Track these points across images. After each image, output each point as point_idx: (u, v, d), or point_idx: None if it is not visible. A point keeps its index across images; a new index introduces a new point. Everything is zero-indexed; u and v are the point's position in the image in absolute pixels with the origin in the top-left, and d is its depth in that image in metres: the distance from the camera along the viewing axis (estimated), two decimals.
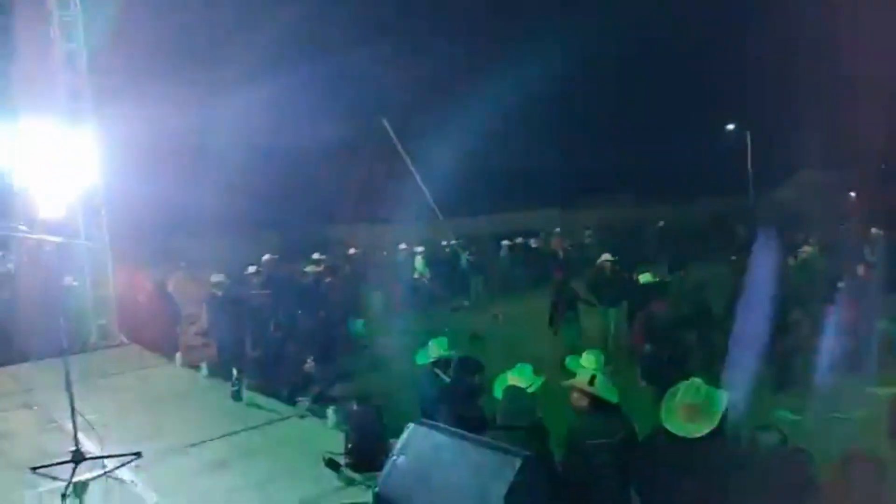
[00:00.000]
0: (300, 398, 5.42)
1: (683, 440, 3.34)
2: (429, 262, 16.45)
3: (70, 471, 3.87)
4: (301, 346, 7.75)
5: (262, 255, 12.34)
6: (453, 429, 3.06)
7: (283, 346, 8.21)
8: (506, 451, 2.71)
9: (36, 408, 5.42)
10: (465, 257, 17.72)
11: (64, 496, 3.67)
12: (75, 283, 8.37)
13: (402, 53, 19.67)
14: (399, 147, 13.01)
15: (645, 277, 9.00)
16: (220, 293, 9.85)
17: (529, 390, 4.00)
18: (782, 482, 3.37)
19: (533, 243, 19.44)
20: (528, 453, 2.70)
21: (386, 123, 12.97)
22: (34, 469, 4.01)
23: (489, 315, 14.56)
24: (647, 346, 7.24)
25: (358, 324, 13.33)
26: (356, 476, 3.67)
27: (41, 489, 3.83)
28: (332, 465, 3.81)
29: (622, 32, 26.51)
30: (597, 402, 3.95)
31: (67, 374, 4.02)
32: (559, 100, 26.69)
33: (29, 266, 9.34)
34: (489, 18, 24.07)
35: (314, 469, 3.85)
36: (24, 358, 7.04)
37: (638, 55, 26.73)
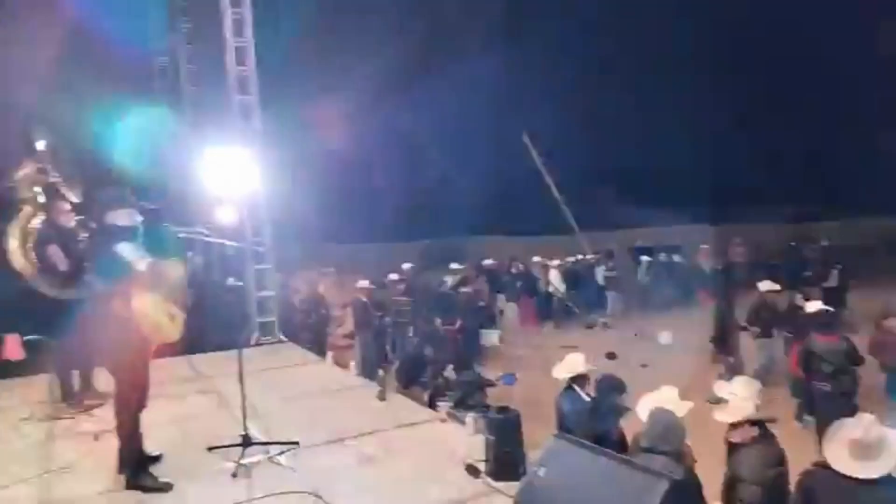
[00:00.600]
0: (440, 402, 5.62)
1: (847, 480, 3.09)
2: (564, 275, 16.24)
3: (239, 453, 4.31)
4: (439, 352, 8.03)
5: (404, 264, 12.94)
6: (595, 445, 3.05)
7: (422, 351, 8.54)
8: (652, 473, 2.67)
9: (211, 394, 6.07)
10: (602, 272, 17.34)
11: (234, 475, 4.11)
12: (240, 284, 9.29)
13: (539, 61, 19.64)
14: (536, 158, 13.06)
15: (813, 306, 8.24)
16: (364, 298, 10.48)
17: (678, 414, 3.88)
18: None
19: (676, 258, 18.49)
20: (676, 477, 2.64)
21: (525, 137, 13.08)
22: (210, 449, 4.53)
23: (627, 333, 14.16)
24: (813, 379, 6.66)
25: (492, 334, 13.57)
26: (495, 484, 3.75)
27: (215, 468, 4.30)
28: (472, 470, 3.94)
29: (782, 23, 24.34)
30: (756, 435, 3.76)
31: (240, 366, 4.50)
32: (708, 98, 25.01)
33: (201, 267, 10.49)
34: (626, 20, 23.25)
35: (454, 472, 4.00)
36: (200, 349, 7.88)
37: (802, 46, 24.29)
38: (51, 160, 5.53)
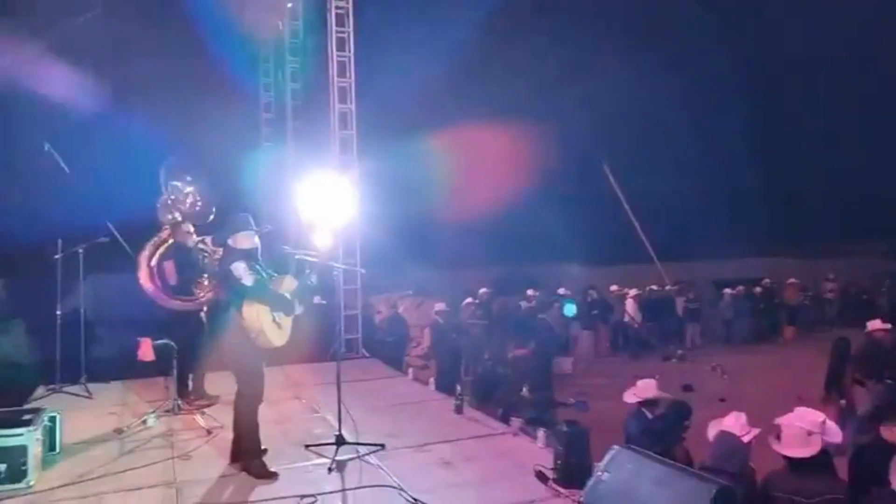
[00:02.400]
0: (513, 418, 5.98)
1: None
2: (642, 305, 16.18)
3: (333, 451, 4.86)
4: (514, 373, 8.39)
5: (480, 288, 13.39)
6: (654, 454, 3.37)
7: (495, 371, 8.93)
8: (704, 479, 2.97)
9: (304, 400, 6.71)
10: (682, 303, 17.13)
11: (330, 470, 4.66)
12: (324, 302, 10.00)
13: (620, 92, 19.83)
14: (615, 187, 13.25)
15: None
16: (441, 320, 11.00)
17: (744, 439, 4.12)
18: None
19: (757, 291, 17.99)
20: (725, 483, 2.93)
21: (605, 165, 13.32)
22: (307, 446, 5.12)
23: (706, 366, 13.95)
24: None
25: (565, 361, 13.76)
26: (562, 490, 4.10)
27: (311, 462, 4.88)
28: (541, 476, 4.31)
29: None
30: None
31: (338, 375, 5.09)
32: (796, 126, 24.20)
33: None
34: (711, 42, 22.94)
35: (525, 478, 4.38)
36: (291, 360, 8.61)
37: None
38: (184, 190, 6.41)
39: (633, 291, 16.24)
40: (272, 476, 4.54)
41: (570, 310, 14.82)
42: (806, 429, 4.24)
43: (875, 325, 8.71)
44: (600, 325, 15.71)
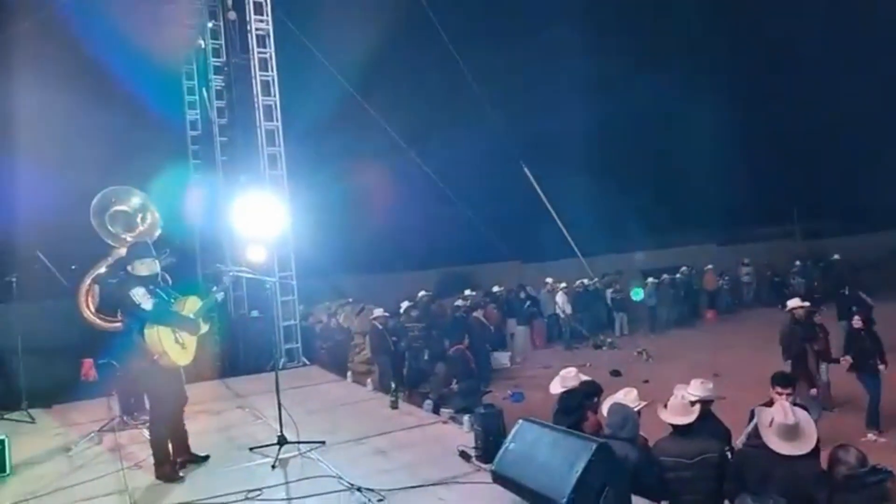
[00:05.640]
0: (444, 409, 6.50)
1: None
2: (572, 299, 17.02)
3: (276, 451, 5.25)
4: (447, 368, 8.93)
5: (418, 292, 13.88)
6: (551, 424, 3.95)
7: (433, 369, 9.44)
8: (588, 439, 3.56)
9: (247, 409, 7.04)
10: (609, 294, 18.10)
11: (273, 467, 5.06)
12: (261, 315, 10.26)
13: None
14: (536, 185, 13.95)
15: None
16: (380, 325, 11.43)
17: (636, 408, 4.76)
18: None
19: (679, 277, 19.14)
20: (603, 441, 3.52)
21: (524, 166, 14.03)
22: (251, 449, 5.49)
23: (633, 351, 14.90)
24: None
25: (503, 356, 14.42)
26: (482, 465, 4.65)
27: (255, 462, 5.26)
28: (464, 455, 4.85)
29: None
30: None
31: (276, 380, 5.49)
32: (709, 114, 25.64)
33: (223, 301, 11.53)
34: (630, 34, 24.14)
35: (451, 459, 4.91)
36: (233, 373, 8.90)
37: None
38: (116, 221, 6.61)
39: (562, 285, 17.06)
40: (179, 480, 4.93)
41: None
42: (688, 398, 4.94)
43: (794, 303, 9.49)
44: (535, 320, 16.47)
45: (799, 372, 8.27)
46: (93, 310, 6.49)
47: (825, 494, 3.79)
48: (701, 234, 24.59)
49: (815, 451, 4.15)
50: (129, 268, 5.13)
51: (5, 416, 6.91)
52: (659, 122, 26.16)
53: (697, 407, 4.83)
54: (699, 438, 4.62)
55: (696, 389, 5.14)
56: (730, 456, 4.52)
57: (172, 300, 5.16)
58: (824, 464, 4.01)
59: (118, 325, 6.39)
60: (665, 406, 4.83)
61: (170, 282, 5.51)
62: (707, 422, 4.92)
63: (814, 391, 8.37)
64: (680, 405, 4.76)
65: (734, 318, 19.62)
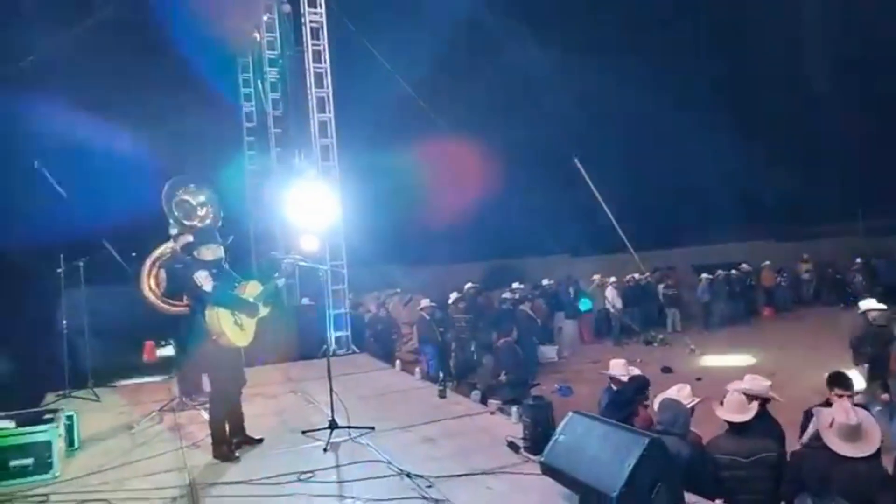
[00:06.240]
0: (492, 400, 6.51)
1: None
2: (622, 293, 16.76)
3: (327, 435, 5.37)
4: (494, 360, 8.93)
5: (465, 284, 13.91)
6: (602, 418, 3.91)
7: (480, 360, 9.46)
8: (639, 434, 3.51)
9: (299, 394, 7.21)
10: (660, 289, 17.74)
11: (325, 450, 5.18)
12: (313, 303, 10.47)
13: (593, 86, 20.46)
14: (588, 180, 13.74)
15: None
16: (427, 316, 11.52)
17: (688, 405, 4.67)
18: None
19: (734, 273, 18.60)
20: (656, 437, 3.46)
21: (576, 160, 13.81)
22: (303, 432, 5.62)
23: (685, 348, 14.57)
24: None
25: (550, 350, 14.33)
26: (531, 456, 4.64)
27: (308, 445, 5.39)
28: (512, 446, 4.85)
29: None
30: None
31: (328, 367, 5.60)
32: (768, 111, 24.73)
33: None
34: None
35: (499, 449, 4.92)
36: (286, 359, 9.12)
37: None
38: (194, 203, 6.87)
39: (612, 279, 16.82)
40: (235, 459, 5.11)
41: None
42: (745, 395, 4.81)
43: (869, 304, 8.72)
44: (584, 314, 16.29)
45: (875, 377, 7.90)
46: (158, 293, 6.75)
47: (891, 498, 3.66)
48: (759, 230, 23.80)
49: (877, 454, 4.00)
50: (195, 252, 5.37)
51: (73, 394, 7.26)
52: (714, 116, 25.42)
53: (755, 404, 4.71)
54: (756, 437, 4.51)
55: (752, 386, 5.01)
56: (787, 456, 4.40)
57: (236, 284, 5.37)
58: (889, 467, 3.87)
59: (182, 308, 6.68)
60: (721, 403, 4.73)
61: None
62: (763, 420, 4.79)
63: (886, 396, 7.96)
64: (737, 402, 4.65)
65: (792, 316, 18.98)
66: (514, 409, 5.64)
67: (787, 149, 25.38)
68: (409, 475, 4.48)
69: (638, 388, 5.39)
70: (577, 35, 20.81)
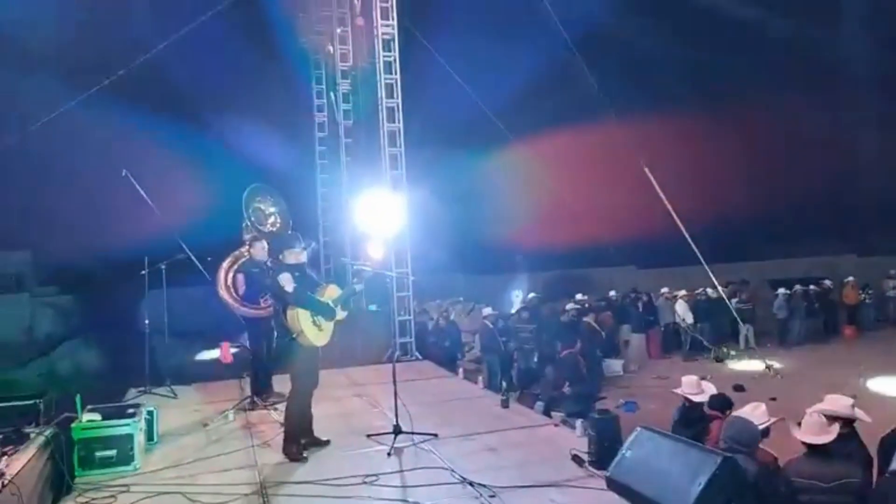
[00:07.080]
0: (555, 412, 6.44)
1: None
2: (693, 307, 16.21)
3: (391, 439, 5.44)
4: (558, 372, 8.82)
5: (530, 293, 13.84)
6: (671, 434, 3.80)
7: (542, 371, 9.37)
8: (710, 452, 3.39)
9: (364, 398, 7.34)
10: (733, 304, 17.05)
11: (389, 454, 5.25)
12: (380, 310, 10.65)
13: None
14: (658, 190, 13.40)
15: None
16: (490, 324, 11.51)
17: (760, 426, 4.47)
18: None
19: (812, 289, 17.67)
20: (730, 455, 3.34)
21: (646, 169, 13.51)
22: (368, 435, 5.73)
23: (759, 366, 13.94)
24: None
25: (615, 363, 14.01)
26: (595, 471, 4.56)
27: (372, 449, 5.48)
28: (577, 459, 4.78)
29: None
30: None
31: (394, 373, 5.69)
32: (848, 121, 23.45)
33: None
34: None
35: (563, 462, 4.85)
36: (352, 363, 9.30)
37: None
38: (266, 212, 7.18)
39: (682, 293, 16.29)
40: (303, 460, 5.26)
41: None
42: (826, 416, 4.56)
43: None
44: (652, 327, 15.86)
45: None
46: (238, 296, 7.05)
47: None
48: (837, 244, 22.57)
49: None
50: (280, 256, 5.66)
51: (153, 391, 7.63)
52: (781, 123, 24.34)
53: (836, 426, 4.46)
54: (838, 461, 4.26)
55: (832, 406, 4.75)
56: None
57: (317, 286, 5.58)
58: None
59: (257, 312, 6.95)
60: (798, 424, 4.51)
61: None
62: (848, 444, 4.52)
63: None
64: (816, 423, 4.41)
65: (877, 335, 17.85)
66: (578, 422, 5.55)
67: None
68: (471, 483, 4.49)
69: (717, 405, 5.19)
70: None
